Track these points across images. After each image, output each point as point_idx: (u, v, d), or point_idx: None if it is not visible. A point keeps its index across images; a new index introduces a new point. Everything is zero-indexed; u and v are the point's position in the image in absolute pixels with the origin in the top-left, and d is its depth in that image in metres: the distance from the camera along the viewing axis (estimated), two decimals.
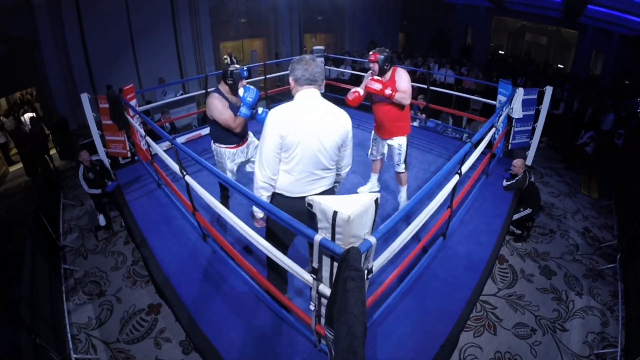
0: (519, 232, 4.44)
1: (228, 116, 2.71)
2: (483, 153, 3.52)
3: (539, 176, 6.16)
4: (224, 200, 3.32)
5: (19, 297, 2.78)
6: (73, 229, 4.88)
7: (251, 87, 2.71)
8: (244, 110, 2.71)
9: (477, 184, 3.67)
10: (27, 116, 7.79)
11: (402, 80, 2.85)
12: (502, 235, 3.15)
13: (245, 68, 2.81)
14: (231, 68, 2.75)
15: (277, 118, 1.80)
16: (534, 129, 4.20)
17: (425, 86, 5.35)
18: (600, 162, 6.28)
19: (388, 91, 2.79)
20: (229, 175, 2.98)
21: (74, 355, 3.01)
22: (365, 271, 1.57)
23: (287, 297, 2.16)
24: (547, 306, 3.60)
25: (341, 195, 1.71)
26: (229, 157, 2.92)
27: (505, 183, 3.93)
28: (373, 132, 3.28)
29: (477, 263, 2.78)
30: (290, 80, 1.89)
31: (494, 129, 3.72)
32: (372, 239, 1.42)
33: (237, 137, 2.87)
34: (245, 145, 3.00)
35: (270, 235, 2.07)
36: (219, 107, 2.69)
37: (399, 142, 3.10)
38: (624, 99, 7.95)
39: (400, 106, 2.93)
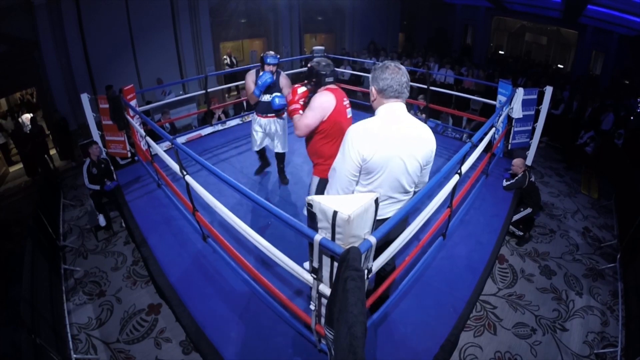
0: (520, 233, 4.44)
1: (247, 88, 3.37)
2: (483, 152, 3.53)
3: (539, 176, 6.15)
4: (280, 173, 3.88)
5: (19, 297, 2.78)
6: (73, 229, 4.88)
7: (268, 72, 3.19)
8: (255, 90, 3.27)
9: (477, 183, 3.67)
10: (26, 117, 7.79)
11: (309, 107, 2.29)
12: (502, 235, 3.16)
13: (277, 56, 3.29)
14: (265, 54, 3.30)
15: (360, 137, 1.59)
16: (533, 129, 4.21)
17: (425, 86, 5.36)
18: (600, 162, 6.28)
19: (292, 106, 2.35)
20: (256, 137, 3.61)
21: (74, 355, 3.00)
22: (365, 271, 1.57)
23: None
24: (547, 306, 3.60)
25: (341, 195, 1.71)
26: (255, 120, 3.58)
27: (505, 183, 3.93)
28: None
29: (477, 263, 2.78)
30: (373, 90, 1.67)
31: (494, 129, 3.72)
32: (372, 239, 1.42)
33: (260, 109, 3.46)
34: (268, 119, 3.51)
35: None
36: (247, 80, 3.36)
37: (311, 181, 2.49)
38: (623, 99, 7.95)
39: (317, 135, 2.33)
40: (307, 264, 2.60)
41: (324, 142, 2.31)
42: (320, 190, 2.38)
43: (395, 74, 1.60)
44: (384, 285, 2.11)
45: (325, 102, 2.24)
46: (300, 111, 2.32)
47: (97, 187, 4.31)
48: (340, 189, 1.70)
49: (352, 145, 1.60)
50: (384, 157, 1.60)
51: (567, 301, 3.67)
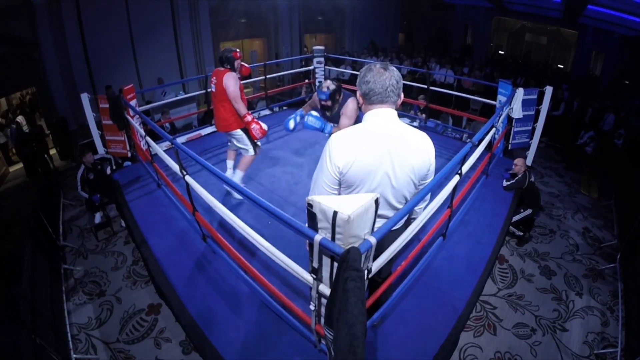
0: (520, 233, 4.44)
1: None
2: (484, 152, 3.52)
3: (539, 176, 6.16)
4: None
5: (19, 297, 2.78)
6: (73, 229, 4.88)
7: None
8: None
9: (477, 184, 3.67)
10: (21, 118, 7.78)
11: None
12: (502, 235, 3.15)
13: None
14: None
15: (336, 146, 1.46)
16: (533, 129, 4.21)
17: (425, 86, 5.36)
18: (600, 162, 6.28)
19: None
20: None
21: (74, 355, 3.01)
22: (365, 271, 1.56)
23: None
24: (547, 306, 3.60)
25: (341, 196, 1.71)
26: None
27: (505, 183, 3.93)
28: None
29: (477, 263, 2.78)
30: (358, 95, 1.54)
31: (494, 129, 3.72)
32: (372, 239, 1.41)
33: None
34: None
35: None
36: None
37: None
38: (623, 99, 7.96)
39: None
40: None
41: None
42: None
43: (379, 76, 1.44)
44: (379, 291, 2.09)
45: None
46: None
47: (87, 196, 4.44)
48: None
49: (329, 154, 1.48)
50: (363, 170, 1.46)
51: (567, 301, 3.68)
